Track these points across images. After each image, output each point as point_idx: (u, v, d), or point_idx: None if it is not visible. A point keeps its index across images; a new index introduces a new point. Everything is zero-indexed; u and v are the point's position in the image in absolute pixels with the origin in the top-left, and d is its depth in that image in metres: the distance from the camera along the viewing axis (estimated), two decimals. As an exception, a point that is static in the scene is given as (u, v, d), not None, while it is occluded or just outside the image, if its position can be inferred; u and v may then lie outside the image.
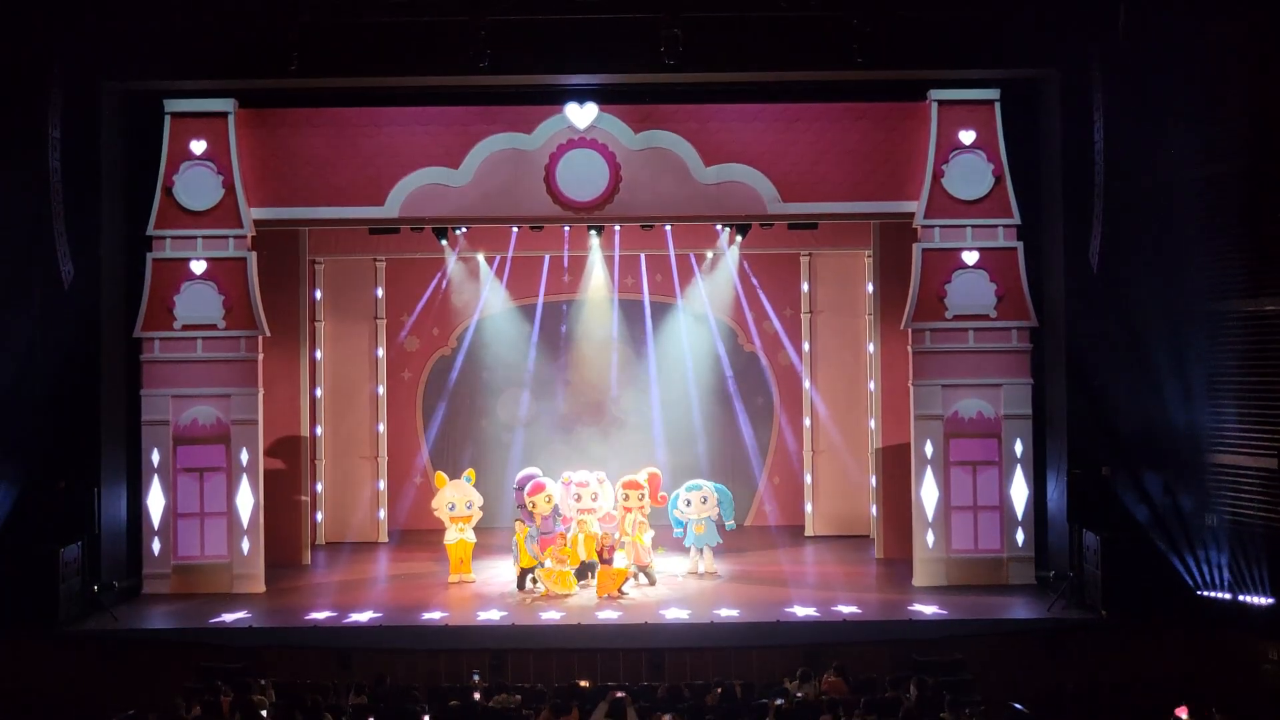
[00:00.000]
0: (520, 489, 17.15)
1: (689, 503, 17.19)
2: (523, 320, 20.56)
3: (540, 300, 20.29)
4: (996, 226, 16.52)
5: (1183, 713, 11.08)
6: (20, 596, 14.57)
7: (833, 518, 19.95)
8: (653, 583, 16.51)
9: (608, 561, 16.04)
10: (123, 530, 16.55)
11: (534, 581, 16.22)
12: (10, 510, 15.31)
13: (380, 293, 20.15)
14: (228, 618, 15.12)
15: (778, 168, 16.54)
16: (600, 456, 19.49)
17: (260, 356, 16.71)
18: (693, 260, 19.88)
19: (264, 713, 11.47)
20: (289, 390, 18.28)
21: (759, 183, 16.54)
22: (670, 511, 17.31)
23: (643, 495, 17.06)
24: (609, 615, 15.13)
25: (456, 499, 16.86)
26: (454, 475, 17.37)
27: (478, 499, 17.00)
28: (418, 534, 19.33)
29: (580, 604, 15.68)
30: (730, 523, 17.39)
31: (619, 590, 15.90)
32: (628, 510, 16.93)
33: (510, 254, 19.18)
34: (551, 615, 15.17)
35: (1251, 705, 12.31)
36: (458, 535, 16.84)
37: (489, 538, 17.64)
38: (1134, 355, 15.64)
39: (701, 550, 17.20)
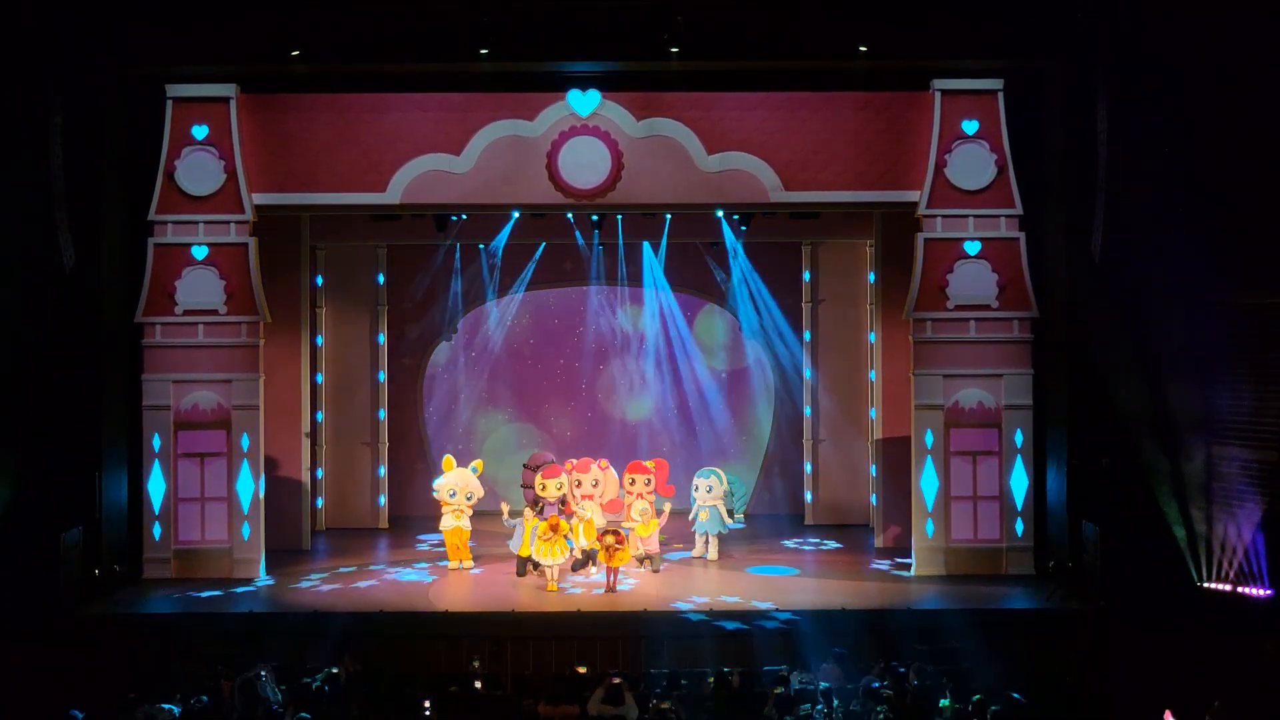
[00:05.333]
0: (534, 469, 17.14)
1: (697, 489, 17.40)
2: (523, 308, 20.58)
3: (540, 289, 20.32)
4: (999, 217, 16.50)
5: (1169, 717, 11.08)
6: (22, 581, 14.59)
7: (832, 506, 19.96)
8: (656, 570, 16.54)
9: (617, 548, 15.81)
10: (124, 515, 16.57)
11: (534, 568, 16.24)
12: (12, 495, 15.32)
13: (382, 279, 20.13)
14: (228, 603, 15.14)
15: (780, 156, 16.50)
16: (601, 444, 19.57)
17: (261, 342, 16.70)
18: (694, 249, 19.84)
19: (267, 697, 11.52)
20: (290, 376, 18.27)
21: (761, 171, 16.51)
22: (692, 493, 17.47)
23: (649, 481, 17.13)
24: (609, 603, 15.15)
25: (458, 487, 16.89)
26: (461, 463, 17.38)
27: (479, 491, 17.02)
28: (418, 520, 19.33)
29: (580, 592, 15.70)
30: (739, 516, 17.56)
31: (615, 569, 15.72)
32: (632, 494, 16.98)
33: (511, 241, 19.18)
34: (551, 602, 15.20)
35: (1251, 697, 12.30)
36: (454, 522, 16.87)
37: (491, 525, 17.65)
38: (1135, 346, 15.64)
39: (707, 536, 17.31)
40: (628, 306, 20.54)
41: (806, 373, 20.12)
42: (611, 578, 15.65)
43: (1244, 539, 15.02)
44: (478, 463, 17.36)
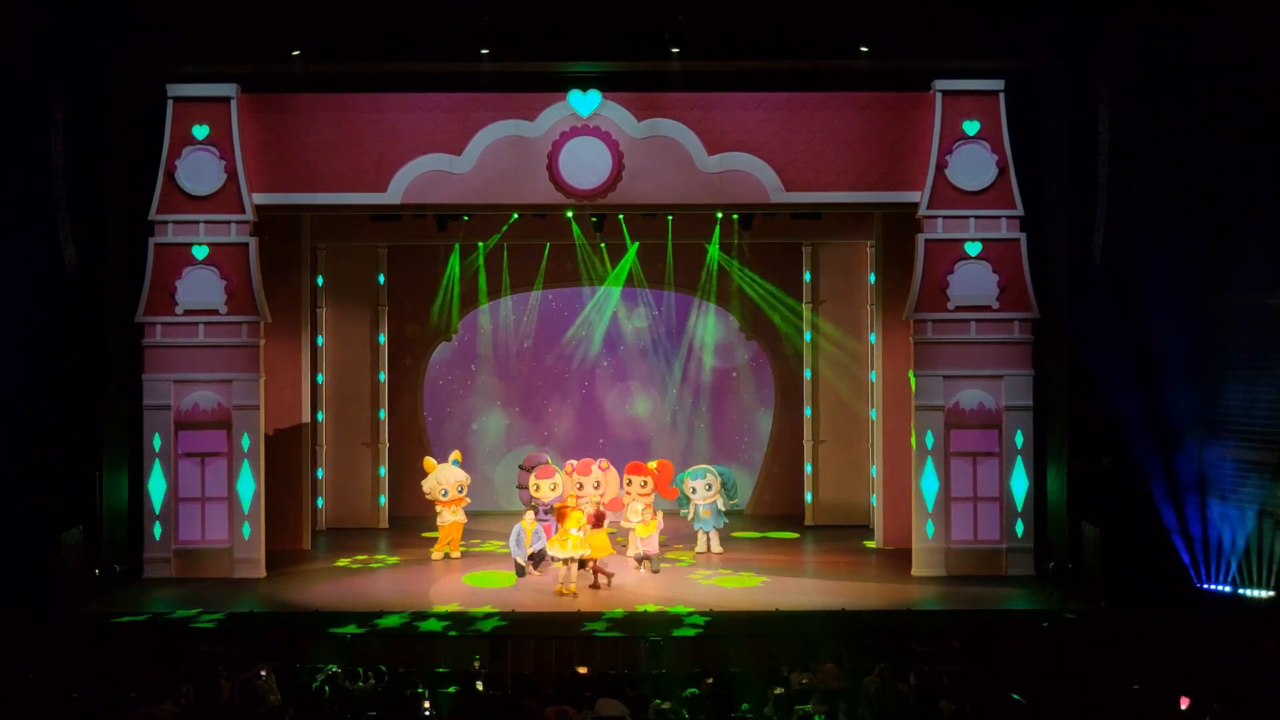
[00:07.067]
0: (528, 470, 17.19)
1: (695, 490, 17.51)
2: (524, 308, 20.59)
3: (541, 289, 20.33)
4: (999, 217, 16.49)
5: (1185, 703, 11.10)
6: (22, 579, 14.58)
7: (833, 507, 19.95)
8: (656, 571, 16.53)
9: (596, 524, 15.83)
10: (124, 514, 16.58)
11: (534, 566, 16.25)
12: (12, 493, 15.31)
13: (383, 279, 20.13)
14: (228, 603, 15.14)
15: (781, 157, 16.50)
16: (600, 444, 19.57)
17: (262, 342, 16.71)
18: (695, 250, 19.84)
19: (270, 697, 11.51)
20: (290, 376, 18.27)
21: (762, 172, 16.51)
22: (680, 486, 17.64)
23: (645, 482, 17.14)
24: (609, 603, 15.13)
25: (448, 483, 17.03)
26: (461, 463, 17.49)
27: (464, 478, 17.26)
28: (418, 521, 19.31)
29: (580, 591, 15.69)
30: (734, 502, 17.66)
31: (603, 572, 15.76)
32: (629, 494, 17.00)
33: (512, 241, 19.19)
34: (551, 602, 15.19)
35: (1250, 698, 12.30)
36: (451, 518, 17.10)
37: (492, 524, 17.66)
38: (1136, 347, 15.63)
39: (709, 533, 17.49)
40: (628, 306, 20.55)
41: (806, 373, 20.12)
42: (595, 576, 15.70)
43: (1244, 538, 15.01)
44: (455, 454, 17.61)
